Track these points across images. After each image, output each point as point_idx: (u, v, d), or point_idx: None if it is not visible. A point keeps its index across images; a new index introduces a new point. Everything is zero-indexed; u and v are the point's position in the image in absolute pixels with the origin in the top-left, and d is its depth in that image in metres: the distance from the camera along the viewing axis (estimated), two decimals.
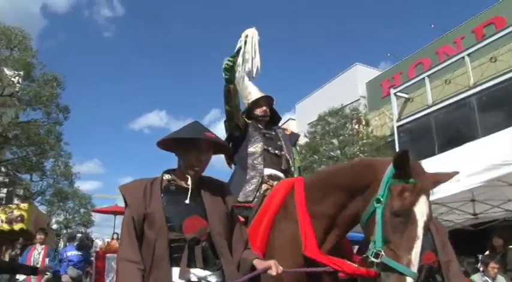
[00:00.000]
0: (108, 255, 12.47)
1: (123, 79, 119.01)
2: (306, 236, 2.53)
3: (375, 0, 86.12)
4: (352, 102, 24.25)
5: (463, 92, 17.60)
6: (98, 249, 15.63)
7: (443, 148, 14.03)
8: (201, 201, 2.22)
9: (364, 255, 2.21)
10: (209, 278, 2.08)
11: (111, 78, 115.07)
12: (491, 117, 16.45)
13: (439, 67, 18.75)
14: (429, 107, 19.00)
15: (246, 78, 3.68)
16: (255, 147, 3.42)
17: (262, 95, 3.71)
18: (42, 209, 20.03)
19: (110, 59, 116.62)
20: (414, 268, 2.04)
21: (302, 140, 21.13)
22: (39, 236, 8.36)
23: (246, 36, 3.57)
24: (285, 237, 2.64)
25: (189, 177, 2.24)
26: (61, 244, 18.71)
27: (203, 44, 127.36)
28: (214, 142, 2.30)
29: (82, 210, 38.30)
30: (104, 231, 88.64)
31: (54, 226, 31.73)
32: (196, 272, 2.05)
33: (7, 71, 12.40)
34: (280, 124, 4.03)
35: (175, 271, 2.02)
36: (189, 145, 2.24)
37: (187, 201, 2.17)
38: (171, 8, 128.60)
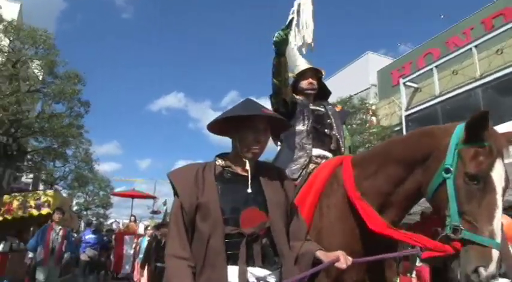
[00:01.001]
0: (126, 237, 13.65)
1: (142, 61, 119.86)
2: (364, 209, 2.25)
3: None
4: (363, 90, 24.68)
5: (469, 83, 17.89)
6: (116, 230, 16.71)
7: None
8: (261, 191, 1.95)
9: (441, 235, 1.96)
10: (268, 278, 1.84)
11: (129, 60, 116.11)
12: (497, 108, 16.76)
13: (447, 58, 19.04)
14: (436, 97, 19.32)
15: (294, 49, 3.48)
16: (304, 126, 3.14)
17: (309, 66, 3.43)
18: (64, 193, 21.21)
19: (129, 41, 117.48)
20: (498, 239, 1.83)
21: None
22: (58, 215, 8.15)
23: (299, 5, 3.40)
24: (335, 214, 2.41)
25: (247, 161, 1.97)
26: (82, 225, 19.76)
27: (221, 25, 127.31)
28: (274, 119, 2.01)
29: (101, 192, 39.53)
30: (122, 212, 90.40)
31: (75, 208, 33.05)
32: (255, 272, 1.81)
33: (33, 69, 13.36)
34: None
35: (232, 270, 1.78)
36: (245, 124, 1.95)
37: (249, 190, 1.92)
38: None
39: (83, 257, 11.63)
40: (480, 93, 17.58)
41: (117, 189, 32.58)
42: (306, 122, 3.15)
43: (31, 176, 19.46)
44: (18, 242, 11.17)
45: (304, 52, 3.51)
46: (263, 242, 1.86)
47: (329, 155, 3.15)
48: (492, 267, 1.77)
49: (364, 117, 19.22)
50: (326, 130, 3.23)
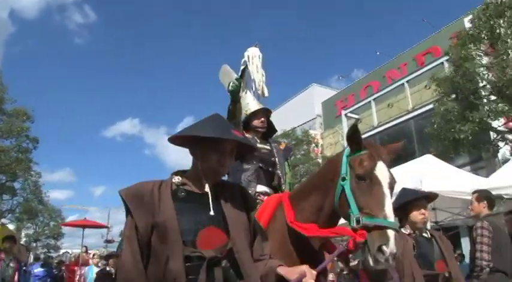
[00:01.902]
0: (76, 268, 13.39)
1: (96, 87, 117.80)
2: (298, 226, 2.52)
3: (327, 32, 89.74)
4: (310, 121, 25.95)
5: (403, 116, 19.32)
6: (67, 262, 16.49)
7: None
8: (220, 210, 1.84)
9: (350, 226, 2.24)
10: None
11: (83, 85, 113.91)
12: (427, 139, 18.15)
13: (383, 92, 20.54)
14: (374, 127, 20.69)
15: (246, 90, 3.76)
16: (250, 164, 3.34)
17: (261, 106, 3.70)
18: (12, 225, 20.91)
19: (82, 66, 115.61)
20: (391, 219, 2.12)
21: None
22: (8, 245, 7.25)
23: (248, 56, 3.69)
24: (278, 237, 2.57)
25: (207, 183, 1.89)
26: (31, 258, 19.44)
27: (176, 51, 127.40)
28: (241, 142, 1.94)
29: (52, 223, 38.69)
30: (76, 241, 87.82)
31: (24, 240, 32.22)
32: None
33: None
34: None
35: None
36: (211, 145, 1.86)
37: (211, 213, 1.81)
38: (144, 14, 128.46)
39: None
40: (413, 124, 18.97)
41: (69, 218, 32.00)
42: (253, 161, 3.36)
43: None
44: None
45: (258, 98, 3.75)
46: (225, 265, 1.72)
47: (271, 191, 3.40)
48: (391, 244, 2.03)
49: (307, 148, 20.24)
50: (270, 168, 3.48)
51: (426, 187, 5.82)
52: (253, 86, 3.70)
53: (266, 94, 3.70)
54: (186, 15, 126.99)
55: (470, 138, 8.30)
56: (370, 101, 21.33)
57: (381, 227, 2.07)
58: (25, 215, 18.58)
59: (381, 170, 2.23)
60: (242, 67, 3.56)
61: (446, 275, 3.32)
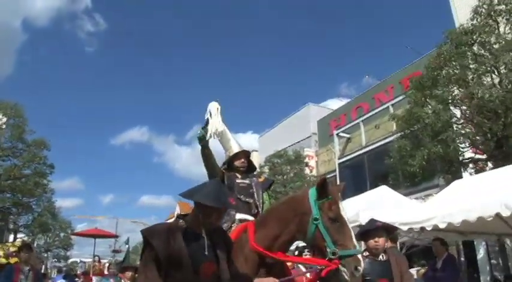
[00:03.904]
0: (93, 278, 14.05)
1: (105, 94, 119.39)
2: (259, 248, 3.08)
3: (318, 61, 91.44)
4: (306, 138, 27.44)
5: (388, 137, 20.70)
6: (81, 270, 17.27)
7: (374, 184, 17.21)
8: (213, 248, 2.53)
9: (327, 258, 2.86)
10: None
11: (92, 93, 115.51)
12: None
13: (370, 114, 21.97)
14: (363, 147, 22.11)
15: (229, 134, 4.34)
16: (230, 196, 3.70)
17: (241, 149, 4.29)
18: (28, 238, 22.50)
19: (92, 74, 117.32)
20: (357, 247, 2.94)
21: None
22: (25, 254, 7.21)
23: (210, 110, 4.23)
24: (243, 255, 3.09)
25: (204, 229, 2.54)
26: (54, 273, 20.47)
27: (186, 59, 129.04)
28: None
29: (62, 234, 40.31)
30: (84, 250, 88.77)
31: (36, 250, 33.80)
32: None
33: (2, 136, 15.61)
34: None
35: None
36: (214, 208, 2.48)
37: (206, 253, 2.48)
38: (153, 23, 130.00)
39: None
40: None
41: (78, 227, 33.05)
42: (232, 194, 3.85)
43: None
44: None
45: (215, 138, 4.24)
46: None
47: (250, 218, 3.87)
48: (362, 264, 2.86)
49: (298, 167, 21.68)
50: (248, 199, 4.00)
51: (362, 219, 7.33)
52: (217, 131, 4.17)
53: (219, 134, 4.18)
54: (196, 22, 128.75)
55: (419, 171, 9.94)
56: (359, 122, 22.65)
57: (354, 254, 2.84)
58: (39, 229, 20.22)
59: (344, 212, 3.01)
60: (206, 117, 4.13)
61: None
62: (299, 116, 29.57)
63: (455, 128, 10.16)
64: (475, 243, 13.58)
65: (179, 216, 2.65)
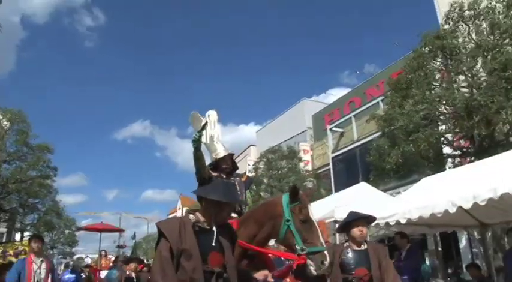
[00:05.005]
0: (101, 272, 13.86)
1: (106, 90, 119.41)
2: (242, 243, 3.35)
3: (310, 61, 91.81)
4: (301, 133, 28.16)
5: (378, 131, 21.39)
6: (88, 263, 17.77)
7: (365, 178, 17.96)
8: (219, 239, 2.76)
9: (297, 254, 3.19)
10: None
11: (93, 88, 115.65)
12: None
13: (361, 109, 22.61)
14: (354, 142, 22.81)
15: (216, 139, 4.66)
16: None
17: (227, 153, 4.65)
18: None
19: (92, 69, 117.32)
20: (324, 245, 3.30)
21: (248, 174, 25.02)
22: (36, 245, 6.86)
23: (209, 115, 4.64)
24: None
25: (215, 224, 2.78)
26: (60, 269, 21.20)
27: (186, 53, 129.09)
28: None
29: (67, 231, 41.20)
30: (89, 246, 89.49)
31: None
32: None
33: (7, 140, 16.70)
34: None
35: None
36: (227, 206, 2.84)
37: (213, 244, 2.72)
38: (153, 15, 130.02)
39: None
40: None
41: (83, 222, 33.53)
42: None
43: (5, 224, 22.34)
44: None
45: (214, 141, 4.68)
46: (225, 276, 2.68)
47: (235, 215, 4.23)
48: (328, 259, 3.20)
49: (293, 162, 22.44)
50: None
51: (337, 215, 8.10)
52: (212, 138, 4.61)
53: (215, 142, 4.63)
54: (198, 16, 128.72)
55: (395, 168, 10.73)
56: (351, 117, 23.31)
57: (321, 251, 3.21)
58: (44, 228, 21.08)
59: (313, 215, 3.39)
60: (203, 123, 4.33)
61: (363, 278, 4.03)
62: (294, 111, 30.27)
63: (439, 125, 10.87)
64: (458, 233, 14.35)
65: (189, 211, 2.94)
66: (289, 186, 3.63)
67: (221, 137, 4.78)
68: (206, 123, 4.39)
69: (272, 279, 3.11)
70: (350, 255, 4.19)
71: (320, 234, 3.38)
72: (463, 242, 14.61)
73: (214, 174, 4.47)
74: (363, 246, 4.24)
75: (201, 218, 2.80)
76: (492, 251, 9.75)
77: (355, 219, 4.31)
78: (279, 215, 3.37)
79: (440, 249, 14.35)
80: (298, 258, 3.22)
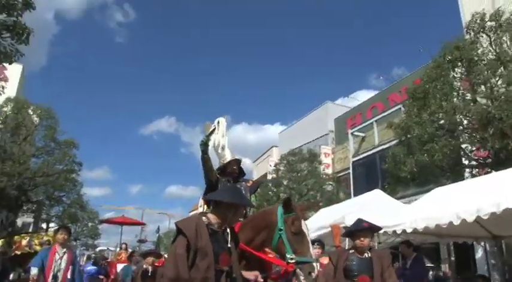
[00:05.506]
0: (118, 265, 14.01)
1: (134, 85, 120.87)
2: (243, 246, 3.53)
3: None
4: (323, 136, 28.23)
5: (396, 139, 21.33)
6: (109, 259, 18.19)
7: (384, 183, 17.99)
8: (227, 242, 2.98)
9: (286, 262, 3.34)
10: None
11: (122, 84, 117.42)
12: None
13: (383, 114, 22.55)
14: (375, 147, 22.78)
15: (223, 145, 4.87)
16: None
17: (233, 158, 4.84)
18: None
19: (121, 64, 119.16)
20: (314, 256, 3.46)
21: (269, 176, 25.37)
22: (62, 236, 6.90)
23: (218, 122, 4.86)
24: None
25: (229, 226, 3.05)
26: (83, 261, 21.87)
27: (215, 52, 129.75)
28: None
29: (90, 224, 42.03)
30: (111, 239, 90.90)
31: None
32: None
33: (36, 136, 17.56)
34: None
35: None
36: (237, 207, 3.03)
37: (229, 245, 2.98)
38: (183, 12, 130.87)
39: None
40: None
41: (106, 215, 34.13)
42: None
43: (32, 215, 23.38)
44: (24, 273, 14.15)
45: (219, 150, 4.95)
46: (234, 276, 2.90)
47: (240, 219, 4.18)
48: (316, 271, 3.34)
49: (313, 165, 22.59)
50: None
51: (347, 221, 8.25)
52: (218, 143, 4.84)
53: (220, 150, 4.89)
54: (227, 15, 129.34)
55: (410, 177, 10.84)
56: (372, 122, 23.31)
57: (309, 262, 3.34)
58: (68, 220, 21.78)
59: (305, 227, 3.52)
60: (212, 128, 4.71)
61: None
62: (317, 114, 30.37)
63: (455, 136, 10.90)
64: (474, 243, 14.28)
65: (202, 214, 3.06)
66: (283, 199, 3.76)
67: (236, 140, 5.21)
68: (214, 129, 4.67)
69: (261, 280, 3.21)
70: (354, 262, 4.30)
71: (311, 246, 3.53)
72: (479, 253, 14.51)
73: (222, 179, 4.64)
74: (367, 255, 4.34)
75: (213, 221, 2.96)
76: (501, 263, 9.69)
77: (358, 230, 4.40)
78: (274, 223, 3.53)
79: (453, 258, 14.30)
80: (287, 266, 3.37)
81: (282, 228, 3.47)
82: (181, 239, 2.80)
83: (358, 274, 4.20)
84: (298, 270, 3.35)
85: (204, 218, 2.97)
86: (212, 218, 2.98)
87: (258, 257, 3.66)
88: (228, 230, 3.05)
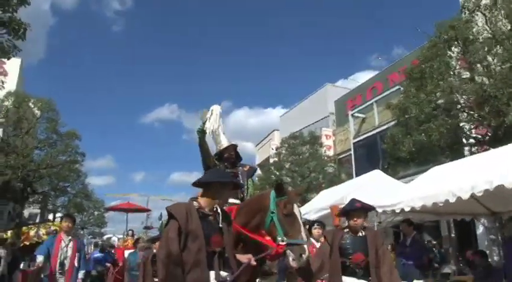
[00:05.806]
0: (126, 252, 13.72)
1: (134, 73, 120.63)
2: (238, 227, 3.69)
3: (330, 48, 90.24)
4: (324, 118, 28.27)
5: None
6: (114, 242, 18.51)
7: (385, 163, 18.14)
8: (218, 224, 3.07)
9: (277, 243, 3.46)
10: (228, 277, 2.97)
11: (121, 72, 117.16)
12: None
13: (383, 95, 22.56)
14: (375, 127, 22.86)
15: (220, 131, 4.97)
16: None
17: (230, 143, 4.96)
18: None
19: (120, 53, 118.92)
20: (305, 239, 3.59)
21: (271, 160, 25.54)
22: (67, 224, 7.03)
23: (212, 109, 4.95)
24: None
25: (218, 208, 3.16)
26: (90, 249, 22.17)
27: (214, 38, 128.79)
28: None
29: (96, 212, 42.51)
30: (117, 227, 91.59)
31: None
32: (221, 273, 2.94)
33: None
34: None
35: (211, 273, 2.87)
36: (225, 187, 3.16)
37: (220, 225, 3.08)
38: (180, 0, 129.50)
39: (93, 272, 11.99)
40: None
41: (113, 203, 34.54)
42: None
43: (38, 205, 23.77)
44: (33, 262, 14.47)
45: (217, 133, 5.02)
46: (226, 256, 3.00)
47: (238, 201, 4.58)
48: (307, 253, 3.48)
49: (314, 148, 22.74)
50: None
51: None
52: (212, 129, 4.92)
53: (215, 135, 4.99)
54: (226, 1, 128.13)
55: (407, 157, 11.00)
56: (372, 103, 23.31)
57: (300, 243, 3.46)
58: (74, 209, 22.10)
59: (296, 210, 3.63)
60: (208, 115, 4.88)
61: (360, 263, 4.26)
62: (317, 96, 30.39)
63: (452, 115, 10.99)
64: (475, 220, 14.46)
65: (192, 199, 3.18)
66: (274, 182, 3.96)
67: (227, 126, 5.25)
68: (211, 116, 4.82)
69: (255, 262, 3.24)
70: (349, 240, 4.42)
71: (302, 229, 3.62)
72: (480, 229, 14.71)
73: (220, 164, 4.81)
74: (361, 233, 4.46)
75: (203, 204, 3.09)
76: (501, 238, 9.88)
77: (352, 210, 4.53)
78: (267, 207, 3.67)
79: (453, 235, 14.51)
80: (277, 246, 3.48)
81: (274, 211, 3.59)
82: (172, 223, 2.91)
83: (353, 252, 4.32)
84: (288, 252, 3.45)
85: (194, 202, 3.10)
86: (202, 201, 3.11)
87: (252, 238, 3.76)
88: (220, 211, 3.16)
